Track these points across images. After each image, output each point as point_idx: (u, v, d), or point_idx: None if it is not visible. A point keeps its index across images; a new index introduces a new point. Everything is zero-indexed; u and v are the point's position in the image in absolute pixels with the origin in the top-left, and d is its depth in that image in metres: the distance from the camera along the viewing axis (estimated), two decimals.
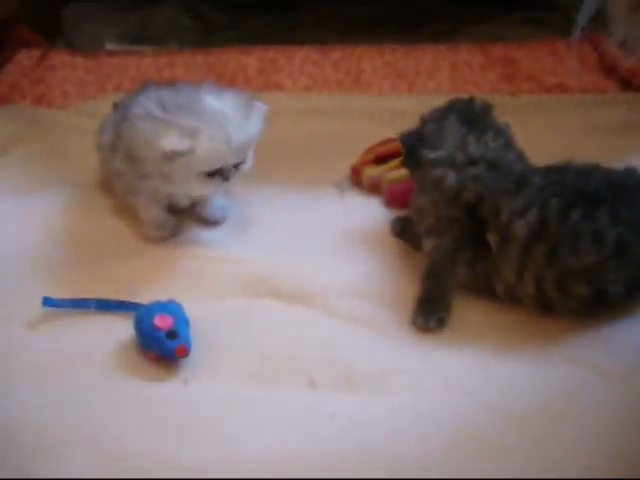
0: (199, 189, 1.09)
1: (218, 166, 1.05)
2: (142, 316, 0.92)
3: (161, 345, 0.89)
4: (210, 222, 1.19)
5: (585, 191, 0.92)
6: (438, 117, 1.08)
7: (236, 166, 1.08)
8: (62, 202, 1.24)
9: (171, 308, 0.94)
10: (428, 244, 1.02)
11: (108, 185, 1.26)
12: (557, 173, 0.97)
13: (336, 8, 1.95)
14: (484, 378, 0.88)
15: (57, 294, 1.01)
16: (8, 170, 1.33)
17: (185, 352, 0.89)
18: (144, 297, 0.99)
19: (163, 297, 0.98)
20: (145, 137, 1.05)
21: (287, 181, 1.29)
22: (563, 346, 0.91)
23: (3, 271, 1.08)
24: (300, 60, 1.55)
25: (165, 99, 1.09)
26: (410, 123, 1.40)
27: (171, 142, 1.02)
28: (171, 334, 0.89)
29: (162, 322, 0.90)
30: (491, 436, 0.80)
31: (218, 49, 1.64)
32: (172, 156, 1.02)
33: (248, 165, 1.11)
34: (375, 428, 0.81)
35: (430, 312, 0.96)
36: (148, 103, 1.09)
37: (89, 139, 1.33)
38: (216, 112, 1.05)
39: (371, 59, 1.54)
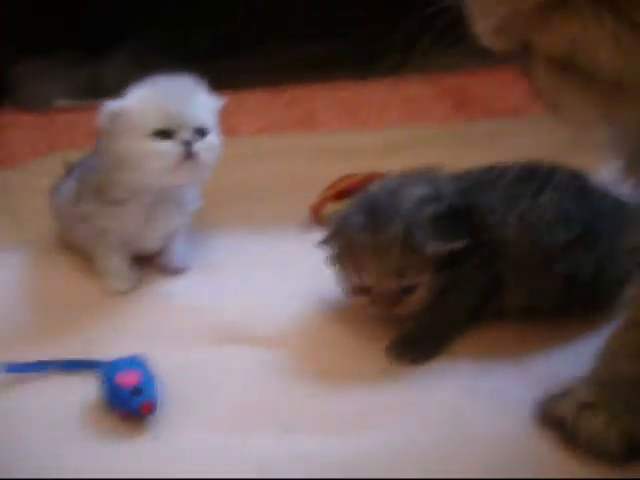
0: (156, 152, 1.04)
1: (159, 123, 1.04)
2: (105, 374, 0.89)
3: (126, 403, 0.86)
4: (172, 271, 1.17)
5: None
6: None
7: (198, 134, 1.06)
8: (20, 261, 1.21)
9: (135, 363, 0.90)
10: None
11: (66, 243, 1.24)
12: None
13: (281, 49, 1.98)
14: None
15: (17, 356, 0.97)
16: None
17: (151, 409, 0.85)
18: (109, 353, 0.96)
19: (128, 352, 0.94)
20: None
21: (247, 224, 1.28)
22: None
23: None
24: (252, 103, 1.55)
25: None
26: (367, 159, 1.42)
27: (108, 105, 1.06)
28: (136, 391, 0.86)
29: (126, 379, 0.87)
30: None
31: None
32: (112, 117, 1.05)
33: (214, 141, 1.09)
34: (352, 469, 0.79)
35: (409, 348, 0.94)
36: None
37: (42, 198, 1.31)
38: (152, 81, 1.10)
39: (322, 98, 1.55)
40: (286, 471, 0.79)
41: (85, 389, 0.93)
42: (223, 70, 1.98)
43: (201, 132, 1.07)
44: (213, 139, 1.09)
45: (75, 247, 1.21)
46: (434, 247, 0.91)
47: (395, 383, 0.91)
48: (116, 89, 1.79)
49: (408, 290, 0.93)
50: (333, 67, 1.80)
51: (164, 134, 1.05)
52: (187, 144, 1.04)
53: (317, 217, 1.25)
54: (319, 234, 1.22)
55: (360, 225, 0.93)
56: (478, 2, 0.66)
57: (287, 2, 2.00)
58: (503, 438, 0.82)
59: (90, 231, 1.14)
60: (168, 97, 1.06)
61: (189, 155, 1.05)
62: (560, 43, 0.62)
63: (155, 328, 1.03)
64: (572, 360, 0.91)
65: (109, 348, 0.98)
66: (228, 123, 1.53)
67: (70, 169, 1.25)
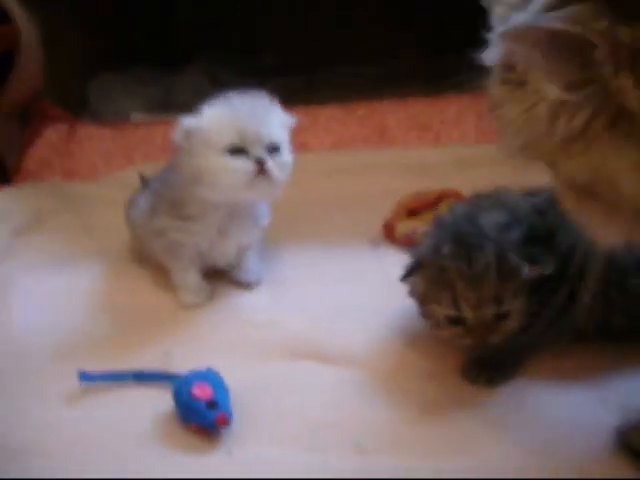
0: (229, 169, 1.05)
1: (234, 138, 1.05)
2: (180, 387, 0.90)
3: (201, 416, 0.87)
4: (245, 285, 1.18)
5: None
6: None
7: (271, 151, 1.07)
8: (96, 274, 1.24)
9: (209, 377, 0.91)
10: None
11: (141, 256, 1.26)
12: None
13: (351, 67, 1.98)
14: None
15: (93, 367, 0.99)
16: (41, 244, 1.33)
17: (226, 421, 0.86)
18: (182, 366, 0.97)
19: (201, 365, 0.95)
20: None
21: (319, 239, 1.28)
22: None
23: (39, 346, 1.07)
24: (324, 119, 1.56)
25: None
26: (438, 175, 1.41)
27: (184, 121, 1.08)
28: (211, 404, 0.87)
29: (201, 392, 0.88)
30: None
31: None
32: (187, 133, 1.07)
33: (287, 158, 1.10)
34: None
35: (485, 369, 0.93)
36: None
37: (119, 211, 1.34)
38: (226, 98, 1.11)
39: (395, 113, 1.54)
40: None
41: (159, 401, 0.94)
42: (292, 87, 2.02)
43: (274, 149, 1.08)
44: (286, 156, 1.10)
45: (151, 260, 1.23)
46: (529, 270, 0.89)
47: (471, 407, 0.90)
48: (189, 104, 1.84)
49: (503, 316, 0.91)
50: (401, 86, 1.80)
51: (238, 151, 1.06)
52: (260, 161, 1.06)
53: (390, 234, 1.25)
54: (391, 251, 1.24)
55: (452, 254, 0.91)
56: (507, 122, 0.67)
57: (349, 21, 2.01)
58: (583, 463, 0.80)
59: (165, 245, 1.16)
60: (242, 114, 1.07)
61: (262, 172, 1.05)
62: (581, 171, 0.64)
63: (228, 342, 1.04)
64: None
65: (184, 361, 0.99)
66: (300, 139, 1.53)
67: (145, 183, 1.28)
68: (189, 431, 0.88)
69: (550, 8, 0.59)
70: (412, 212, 1.26)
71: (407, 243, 1.21)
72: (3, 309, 1.16)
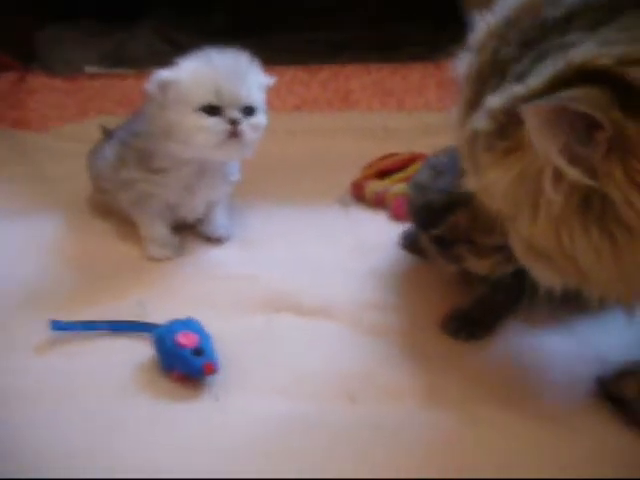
0: (202, 127, 1.03)
1: (210, 98, 1.03)
2: (163, 334, 0.88)
3: (187, 363, 0.85)
4: (214, 240, 1.16)
5: None
6: None
7: (246, 112, 1.05)
8: (57, 225, 1.20)
9: (193, 325, 0.90)
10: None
11: (102, 208, 1.23)
12: None
13: (308, 33, 1.97)
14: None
15: (63, 318, 0.96)
16: None
17: (214, 369, 0.85)
18: (156, 317, 0.95)
19: (176, 317, 0.93)
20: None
21: (287, 197, 1.28)
22: None
23: (3, 295, 1.03)
24: (287, 80, 1.54)
25: None
26: (402, 139, 1.42)
27: (161, 74, 1.04)
28: (197, 351, 0.85)
29: (186, 339, 0.87)
30: None
31: None
32: (163, 86, 1.03)
33: (261, 120, 1.08)
34: (422, 435, 0.79)
35: (465, 324, 0.94)
36: None
37: (74, 162, 1.30)
38: (206, 53, 1.07)
39: (359, 78, 1.54)
40: (357, 439, 0.79)
41: (135, 351, 0.92)
42: (247, 49, 1.99)
43: (249, 110, 1.06)
44: (260, 119, 1.08)
45: (113, 212, 1.20)
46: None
47: (452, 358, 0.91)
48: (142, 60, 1.80)
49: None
50: (357, 53, 1.80)
51: (213, 110, 1.03)
52: (234, 122, 1.04)
53: (359, 194, 1.25)
54: (361, 210, 1.24)
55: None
56: (489, 184, 0.70)
57: None
58: (563, 413, 0.83)
59: (132, 197, 1.13)
60: (220, 73, 1.04)
61: (235, 133, 1.04)
62: (543, 238, 0.68)
63: (203, 294, 1.02)
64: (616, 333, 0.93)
65: (158, 312, 0.97)
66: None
67: (108, 134, 1.24)
68: (171, 380, 0.86)
69: (561, 83, 0.61)
70: (381, 173, 1.26)
71: (377, 202, 1.22)
72: None
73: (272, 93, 1.53)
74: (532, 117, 0.61)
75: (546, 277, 0.74)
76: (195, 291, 1.04)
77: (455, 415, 0.82)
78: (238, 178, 1.18)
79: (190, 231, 1.18)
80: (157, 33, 1.88)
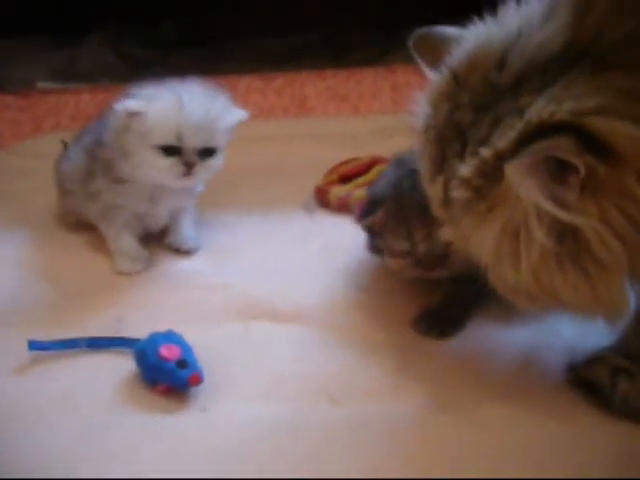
0: (156, 168, 1.06)
1: (170, 139, 1.04)
2: (145, 348, 0.89)
3: (172, 376, 0.86)
4: (184, 251, 1.17)
5: None
6: None
7: (201, 155, 1.07)
8: (24, 242, 1.20)
9: (174, 338, 0.91)
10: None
11: (67, 222, 1.23)
12: None
13: (255, 41, 1.98)
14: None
15: (40, 336, 0.96)
16: None
17: (198, 380, 0.86)
18: (134, 332, 0.96)
19: (153, 330, 0.94)
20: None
21: (251, 205, 1.30)
22: None
23: None
24: (243, 89, 1.56)
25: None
26: (359, 144, 1.45)
27: (128, 103, 1.04)
28: (181, 363, 0.87)
29: (169, 352, 0.88)
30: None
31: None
32: (128, 118, 1.04)
33: (217, 163, 1.10)
34: (407, 433, 0.82)
35: (436, 321, 0.98)
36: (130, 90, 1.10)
37: (34, 179, 1.30)
38: (178, 89, 1.07)
39: (313, 84, 1.56)
40: (344, 440, 0.81)
41: (115, 367, 0.93)
42: (196, 59, 2.00)
43: (208, 152, 1.08)
44: (217, 161, 1.10)
45: (80, 224, 1.20)
46: None
47: (426, 354, 0.94)
48: (93, 74, 1.80)
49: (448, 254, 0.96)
50: (308, 59, 1.83)
51: (170, 150, 1.05)
52: (189, 165, 1.06)
53: (323, 199, 1.27)
54: (325, 215, 1.27)
55: (410, 189, 0.95)
56: (473, 244, 0.76)
57: None
58: (537, 397, 0.87)
59: (99, 209, 1.14)
60: (186, 116, 1.04)
61: (188, 173, 1.06)
62: (526, 283, 0.73)
63: (177, 306, 1.04)
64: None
65: (133, 327, 0.98)
66: None
67: (66, 146, 1.24)
68: (155, 393, 0.88)
69: (525, 138, 0.67)
70: (344, 178, 1.29)
71: (341, 207, 1.25)
72: None
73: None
74: (515, 172, 0.67)
75: (527, 307, 0.80)
76: (170, 303, 1.05)
77: (432, 412, 0.85)
78: (202, 189, 1.19)
79: (157, 243, 1.19)
80: (107, 46, 1.88)
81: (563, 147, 0.64)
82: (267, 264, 1.13)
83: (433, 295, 1.02)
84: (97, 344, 0.96)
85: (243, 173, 1.37)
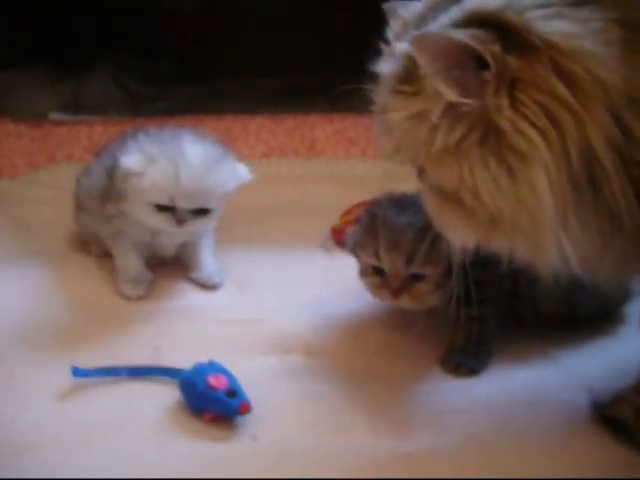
0: (149, 219, 1.11)
1: (164, 201, 1.09)
2: (193, 378, 0.92)
3: (222, 405, 0.89)
4: (209, 286, 1.21)
5: None
6: None
7: (196, 213, 1.11)
8: (49, 271, 1.21)
9: (219, 368, 0.94)
10: None
11: (86, 249, 1.26)
12: None
13: (254, 79, 2.03)
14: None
15: (79, 364, 0.98)
16: None
17: (249, 409, 0.89)
18: (171, 361, 0.99)
19: (190, 361, 0.97)
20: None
21: (269, 243, 1.33)
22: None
23: (15, 345, 1.04)
24: (255, 129, 1.61)
25: (152, 132, 1.15)
26: (369, 187, 1.50)
27: (129, 160, 1.08)
28: (230, 393, 0.90)
29: (217, 382, 0.91)
30: None
31: (169, 118, 1.65)
32: (126, 174, 1.08)
33: (211, 222, 1.15)
34: (441, 466, 0.86)
35: (464, 358, 1.02)
36: (140, 135, 1.15)
37: (49, 209, 1.32)
38: (184, 151, 1.10)
39: (323, 127, 1.62)
40: (379, 471, 0.85)
41: (157, 395, 0.96)
42: (198, 95, 2.04)
43: (202, 211, 1.12)
44: (210, 220, 1.15)
45: (93, 244, 1.24)
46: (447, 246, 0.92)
47: (452, 390, 0.99)
48: (99, 106, 1.82)
49: (417, 278, 1.00)
50: (305, 99, 1.88)
51: (164, 207, 1.10)
52: (181, 222, 1.10)
53: (340, 239, 1.32)
54: (343, 254, 1.31)
55: (385, 206, 1.02)
56: (390, 127, 0.78)
57: (252, 31, 2.06)
58: (561, 442, 0.91)
59: (110, 231, 1.17)
60: (184, 179, 1.08)
61: (181, 225, 1.11)
62: (449, 180, 0.75)
63: (211, 338, 1.07)
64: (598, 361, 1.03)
65: (170, 357, 1.01)
66: (231, 147, 1.59)
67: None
68: (203, 421, 0.91)
69: (454, 26, 0.70)
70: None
71: None
72: None
73: (241, 141, 1.61)
74: (420, 47, 0.69)
75: (458, 231, 0.80)
76: (203, 335, 1.08)
77: (465, 446, 0.89)
78: (216, 224, 1.21)
79: (181, 275, 1.22)
80: (109, 79, 1.91)
81: (471, 35, 0.67)
82: (292, 300, 1.16)
83: (455, 333, 1.06)
84: (139, 372, 0.98)
85: (256, 211, 1.40)
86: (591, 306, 1.06)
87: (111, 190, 1.15)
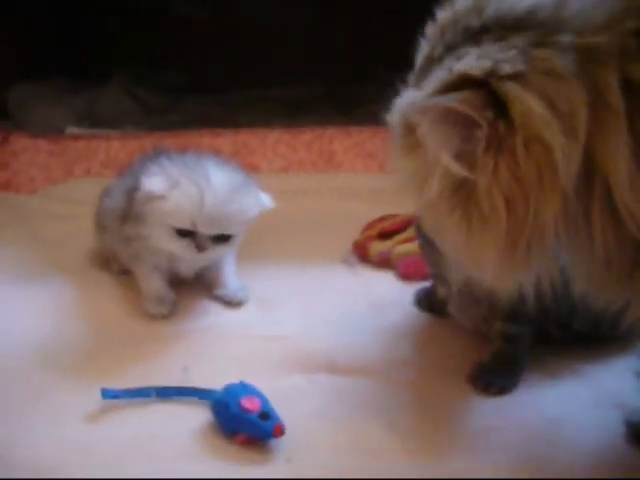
0: (168, 245, 1.11)
1: (186, 225, 1.08)
2: (226, 399, 0.91)
3: (255, 427, 0.88)
4: (234, 304, 1.20)
5: None
6: None
7: (216, 240, 1.11)
8: (71, 289, 1.21)
9: (251, 389, 0.93)
10: None
11: (105, 257, 1.27)
12: None
13: (262, 90, 2.04)
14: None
15: (107, 385, 0.97)
16: None
17: (283, 431, 0.88)
18: (199, 382, 0.99)
19: (217, 380, 0.96)
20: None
21: (291, 258, 1.33)
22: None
23: (38, 364, 1.03)
24: (272, 142, 1.60)
25: (182, 160, 1.14)
26: (387, 200, 1.50)
27: (152, 182, 1.07)
28: (264, 415, 0.89)
29: (251, 404, 0.90)
30: None
31: (187, 131, 1.65)
32: (148, 197, 1.07)
33: (231, 248, 1.15)
34: None
35: (494, 377, 1.01)
36: (162, 159, 1.14)
37: (68, 224, 1.32)
38: (209, 177, 1.09)
39: (340, 141, 1.61)
40: None
41: (187, 416, 0.95)
42: (209, 107, 2.04)
43: (223, 238, 1.12)
44: (231, 246, 1.15)
45: (111, 260, 1.25)
46: None
47: (474, 408, 0.99)
48: (113, 118, 1.82)
49: None
50: (314, 110, 1.88)
51: (185, 232, 1.09)
52: (201, 248, 1.10)
53: (362, 254, 1.32)
54: (367, 270, 1.31)
55: None
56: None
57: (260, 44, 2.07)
58: (596, 460, 0.91)
59: (130, 253, 1.18)
60: (207, 206, 1.07)
61: (201, 251, 1.10)
62: (428, 218, 0.80)
63: (238, 357, 1.06)
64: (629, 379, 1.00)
65: (197, 377, 1.00)
66: (250, 160, 1.59)
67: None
68: (235, 443, 0.90)
69: (446, 89, 0.72)
70: (382, 234, 1.33)
71: (382, 262, 1.29)
72: None
73: (259, 155, 1.60)
74: (419, 118, 0.72)
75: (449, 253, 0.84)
76: (230, 354, 1.07)
77: (495, 468, 0.88)
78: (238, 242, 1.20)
79: (204, 293, 1.22)
80: (122, 90, 1.91)
81: (465, 100, 0.69)
82: (316, 317, 1.16)
83: (485, 349, 1.06)
84: (168, 394, 0.98)
85: (277, 226, 1.40)
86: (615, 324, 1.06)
87: (130, 211, 1.15)
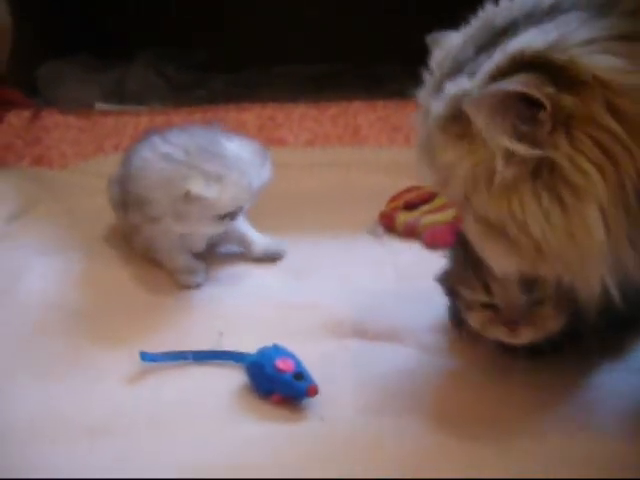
0: (210, 229, 1.16)
1: (233, 209, 1.12)
2: (261, 361, 0.95)
3: (290, 387, 0.92)
4: (276, 256, 1.25)
5: None
6: None
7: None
8: (106, 260, 1.25)
9: (284, 352, 0.96)
10: None
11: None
12: None
13: (287, 67, 2.05)
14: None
15: (146, 349, 1.00)
16: (37, 230, 1.32)
17: (316, 391, 0.91)
18: (232, 346, 1.02)
19: (250, 345, 0.99)
20: (164, 178, 1.11)
21: (316, 229, 1.34)
22: None
23: (77, 329, 1.08)
24: (298, 116, 1.62)
25: (186, 143, 1.14)
26: (414, 175, 1.51)
27: (198, 187, 1.08)
28: (298, 375, 0.92)
29: (285, 365, 0.93)
30: None
31: (214, 107, 1.67)
32: (195, 200, 1.08)
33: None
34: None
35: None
36: (165, 146, 1.14)
37: (98, 198, 1.34)
38: (238, 158, 1.12)
39: (365, 114, 1.63)
40: (452, 453, 0.86)
41: (223, 378, 0.98)
42: (235, 83, 2.06)
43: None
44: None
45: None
46: None
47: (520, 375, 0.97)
48: (141, 95, 1.84)
49: (536, 303, 0.89)
50: (339, 87, 1.89)
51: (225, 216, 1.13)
52: (234, 219, 1.15)
53: (389, 224, 1.34)
54: (393, 239, 1.33)
55: None
56: (425, 155, 0.80)
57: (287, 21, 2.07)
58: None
59: (144, 241, 1.21)
60: (248, 188, 1.12)
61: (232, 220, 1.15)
62: (495, 212, 0.75)
63: (270, 323, 1.09)
64: None
65: (230, 342, 1.03)
66: (276, 134, 1.61)
67: None
68: (270, 403, 0.93)
69: (500, 74, 0.71)
70: (408, 205, 1.35)
71: (408, 232, 1.31)
72: (21, 292, 1.16)
73: (285, 129, 1.62)
74: (476, 109, 0.71)
75: (502, 259, 0.80)
76: (262, 319, 1.10)
77: (522, 440, 0.88)
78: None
79: (236, 258, 1.25)
80: (149, 68, 1.94)
81: (523, 81, 0.68)
82: (346, 285, 1.18)
83: None
84: (204, 357, 1.01)
85: (302, 198, 1.42)
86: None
87: (128, 198, 1.18)
